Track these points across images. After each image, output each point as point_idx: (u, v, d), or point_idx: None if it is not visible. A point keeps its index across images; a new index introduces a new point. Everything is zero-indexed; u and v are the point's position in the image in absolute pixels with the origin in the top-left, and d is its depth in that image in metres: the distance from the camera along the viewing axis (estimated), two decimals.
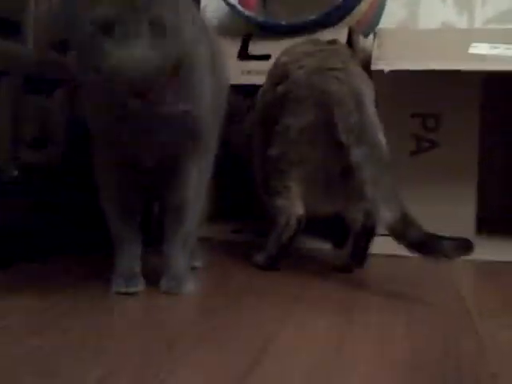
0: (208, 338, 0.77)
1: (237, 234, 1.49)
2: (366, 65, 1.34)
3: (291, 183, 1.14)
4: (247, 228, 1.51)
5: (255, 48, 1.50)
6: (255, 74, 1.45)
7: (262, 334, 0.78)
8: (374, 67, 1.29)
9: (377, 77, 1.29)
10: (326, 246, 1.36)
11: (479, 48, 1.34)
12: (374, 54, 1.34)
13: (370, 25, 1.65)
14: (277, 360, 0.70)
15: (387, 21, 1.79)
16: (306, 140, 1.13)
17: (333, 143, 1.09)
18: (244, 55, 1.49)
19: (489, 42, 1.33)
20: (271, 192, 1.17)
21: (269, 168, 1.17)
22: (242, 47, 1.50)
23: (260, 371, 0.66)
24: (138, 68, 0.79)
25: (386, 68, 1.27)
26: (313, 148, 1.12)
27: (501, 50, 1.32)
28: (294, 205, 1.14)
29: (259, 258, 1.17)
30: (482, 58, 1.31)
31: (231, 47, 1.50)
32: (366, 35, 1.61)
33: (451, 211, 1.43)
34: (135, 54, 0.79)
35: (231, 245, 1.39)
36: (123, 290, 0.95)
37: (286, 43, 1.37)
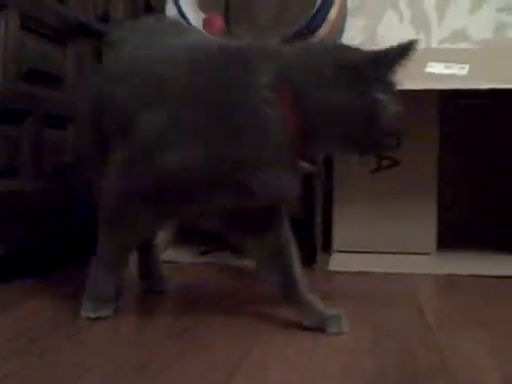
0: (178, 359, 0.78)
1: (205, 255, 1.50)
2: None
3: None
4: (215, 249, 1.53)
5: None
6: None
7: (232, 355, 0.80)
8: None
9: None
10: None
11: (434, 67, 1.39)
12: None
13: None
14: (247, 380, 0.72)
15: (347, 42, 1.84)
16: None
17: None
18: None
19: (444, 62, 1.39)
20: None
21: None
22: None
23: None
24: None
25: None
26: None
27: (455, 69, 1.37)
28: None
29: None
30: (437, 77, 1.36)
31: None
32: None
33: (412, 227, 1.47)
34: None
35: (198, 267, 1.40)
36: (92, 315, 0.95)
37: None
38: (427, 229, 1.47)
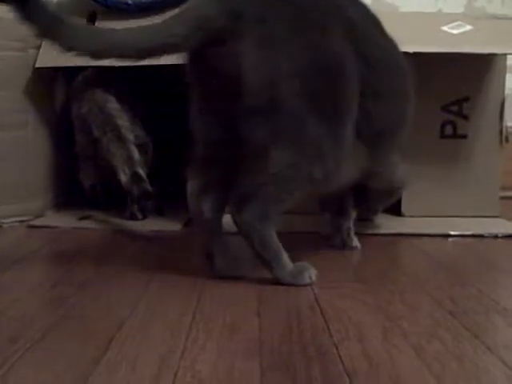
0: (55, 329, 0.74)
1: (85, 220, 1.43)
2: None
3: None
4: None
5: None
6: None
7: (113, 320, 0.77)
8: None
9: None
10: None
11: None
12: None
13: None
14: (128, 345, 0.70)
15: None
16: None
17: None
18: None
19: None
20: None
21: None
22: None
23: (111, 357, 0.66)
24: None
25: None
26: None
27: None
28: None
29: None
30: None
31: None
32: None
33: None
34: None
35: (78, 232, 1.34)
36: None
37: (133, 23, 1.34)
38: None
